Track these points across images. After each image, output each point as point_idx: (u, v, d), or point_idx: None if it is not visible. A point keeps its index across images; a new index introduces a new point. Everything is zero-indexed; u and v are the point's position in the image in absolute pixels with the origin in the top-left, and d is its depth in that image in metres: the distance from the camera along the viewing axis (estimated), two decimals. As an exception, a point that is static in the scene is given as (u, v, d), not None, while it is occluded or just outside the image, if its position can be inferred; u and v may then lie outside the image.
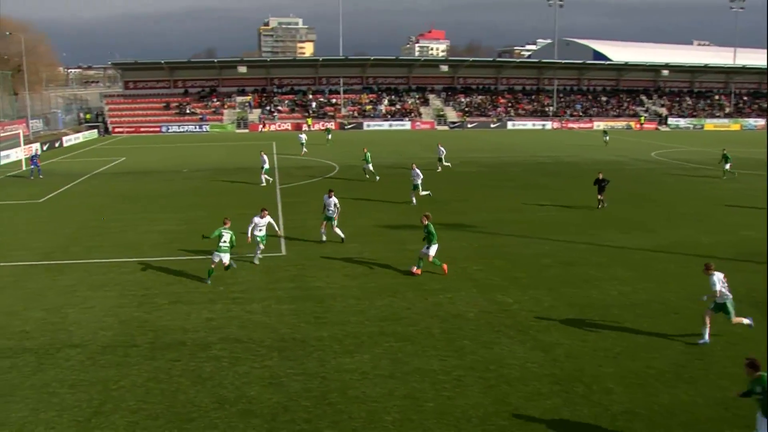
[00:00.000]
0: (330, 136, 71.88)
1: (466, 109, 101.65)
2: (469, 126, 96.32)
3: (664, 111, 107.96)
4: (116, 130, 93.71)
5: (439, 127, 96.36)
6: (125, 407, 13.41)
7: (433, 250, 21.89)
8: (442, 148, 48.92)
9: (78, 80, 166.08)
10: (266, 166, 43.10)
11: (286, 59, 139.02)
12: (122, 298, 20.20)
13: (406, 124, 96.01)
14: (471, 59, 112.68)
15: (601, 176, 33.39)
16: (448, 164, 48.80)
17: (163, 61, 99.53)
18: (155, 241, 27.52)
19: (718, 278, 16.18)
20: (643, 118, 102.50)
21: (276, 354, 15.84)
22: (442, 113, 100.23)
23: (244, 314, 18.59)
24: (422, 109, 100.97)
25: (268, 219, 23.71)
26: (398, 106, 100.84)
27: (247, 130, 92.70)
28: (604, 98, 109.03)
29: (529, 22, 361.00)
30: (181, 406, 13.46)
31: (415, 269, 22.33)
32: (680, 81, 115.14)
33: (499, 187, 41.06)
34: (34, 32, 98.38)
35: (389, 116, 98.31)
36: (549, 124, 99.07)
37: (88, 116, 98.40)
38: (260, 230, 23.53)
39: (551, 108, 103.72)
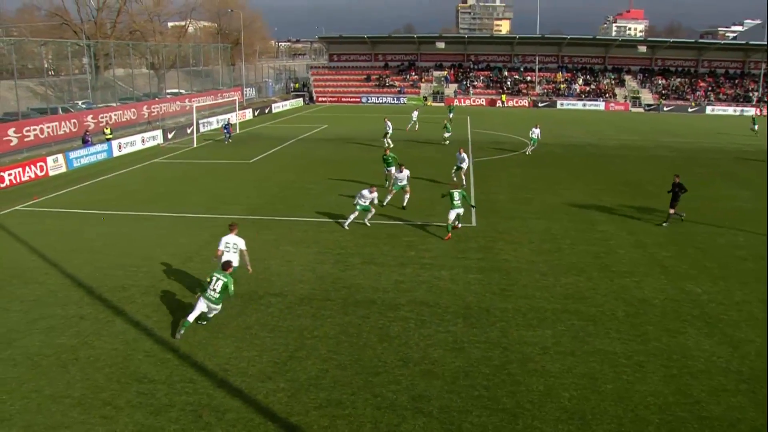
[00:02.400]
0: (452, 115, 66.05)
1: (663, 91, 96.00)
2: (665, 109, 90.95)
3: None
4: (320, 99, 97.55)
5: (634, 109, 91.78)
6: (317, 355, 14.09)
7: (452, 214, 23.23)
8: (537, 131, 44.93)
9: (287, 53, 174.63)
10: (389, 131, 46.68)
11: (483, 36, 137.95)
12: (319, 255, 21.13)
13: (600, 105, 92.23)
14: (671, 40, 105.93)
15: (677, 180, 25.56)
16: (527, 151, 44.77)
17: (365, 36, 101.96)
18: (352, 203, 28.36)
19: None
20: None
21: (461, 320, 15.97)
22: (637, 95, 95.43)
23: (432, 280, 18.85)
24: (617, 90, 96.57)
25: (406, 172, 27.17)
26: (593, 86, 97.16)
27: (442, 104, 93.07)
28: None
29: (736, 2, 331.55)
30: (368, 360, 13.92)
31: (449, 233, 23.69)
32: None
33: (694, 173, 38.44)
34: (251, 10, 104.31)
35: (583, 96, 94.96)
36: (751, 111, 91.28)
37: (297, 85, 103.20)
38: (400, 181, 26.87)
39: (756, 93, 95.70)
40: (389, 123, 47.52)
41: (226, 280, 14.94)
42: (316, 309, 16.65)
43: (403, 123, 58.20)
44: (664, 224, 25.40)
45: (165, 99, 66.39)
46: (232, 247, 16.93)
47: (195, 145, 48.24)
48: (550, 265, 20.33)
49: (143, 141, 47.73)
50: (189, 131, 52.89)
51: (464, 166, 31.92)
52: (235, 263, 16.34)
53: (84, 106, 55.43)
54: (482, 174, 35.73)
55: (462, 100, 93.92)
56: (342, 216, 25.74)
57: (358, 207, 24.36)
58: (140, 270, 19.67)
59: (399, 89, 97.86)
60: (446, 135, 48.84)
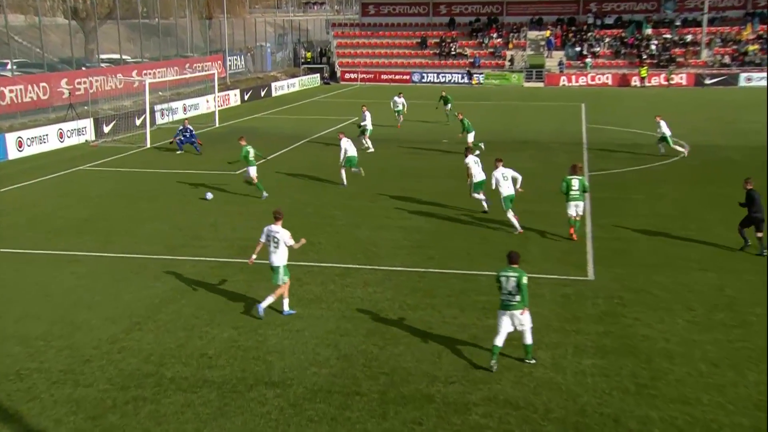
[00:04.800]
0: (449, 106, 63.87)
1: None
2: None
3: None
4: (346, 76, 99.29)
5: None
6: (341, 486, 13.91)
7: (570, 209, 27.66)
8: (663, 122, 45.32)
9: (295, 1, 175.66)
10: (368, 126, 47.83)
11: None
12: (344, 321, 21.08)
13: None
14: None
15: (749, 186, 27.34)
16: (673, 148, 45.40)
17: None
18: (395, 241, 28.59)
19: None
20: None
21: (571, 434, 15.62)
22: None
23: (522, 365, 18.57)
24: None
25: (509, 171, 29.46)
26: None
27: (541, 84, 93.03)
28: None
29: None
30: (420, 495, 13.73)
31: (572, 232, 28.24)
32: None
33: None
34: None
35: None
36: None
37: (309, 55, 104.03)
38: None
39: None
40: (368, 114, 48.70)
41: (517, 275, 17.79)
42: (338, 408, 16.41)
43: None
44: (744, 247, 27.79)
45: (97, 69, 67.29)
46: (272, 241, 21.14)
47: (148, 145, 48.95)
48: (727, 350, 19.70)
49: (61, 136, 48.55)
50: (138, 122, 53.46)
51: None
52: (280, 263, 21.09)
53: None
54: (606, 197, 35.40)
55: (573, 77, 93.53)
56: (381, 259, 25.68)
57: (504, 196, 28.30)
58: (52, 345, 19.63)
59: (472, 60, 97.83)
60: (470, 139, 47.05)
